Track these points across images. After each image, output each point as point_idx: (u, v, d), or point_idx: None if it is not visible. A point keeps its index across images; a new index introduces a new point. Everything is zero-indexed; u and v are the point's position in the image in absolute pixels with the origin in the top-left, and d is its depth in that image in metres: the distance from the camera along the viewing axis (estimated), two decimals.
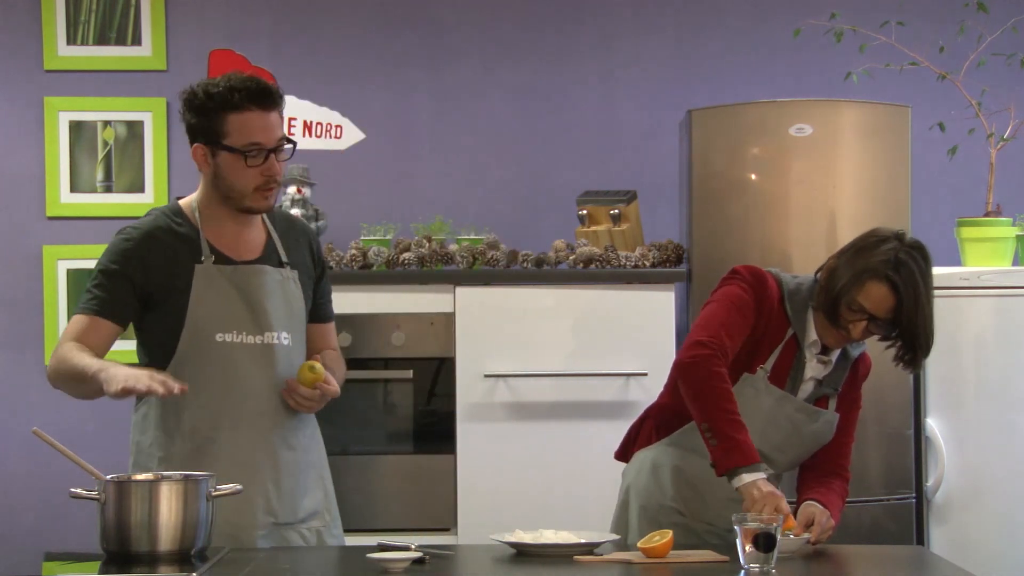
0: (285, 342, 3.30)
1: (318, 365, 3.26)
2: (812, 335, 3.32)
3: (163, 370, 3.23)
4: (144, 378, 3.00)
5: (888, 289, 3.19)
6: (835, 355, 3.37)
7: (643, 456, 3.47)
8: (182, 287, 3.24)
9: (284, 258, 3.36)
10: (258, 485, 3.23)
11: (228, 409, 3.24)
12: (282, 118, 3.29)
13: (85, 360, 3.11)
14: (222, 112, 3.19)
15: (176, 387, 3.03)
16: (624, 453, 3.56)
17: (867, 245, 3.24)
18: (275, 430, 3.29)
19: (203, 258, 3.25)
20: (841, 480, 3.41)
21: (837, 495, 3.36)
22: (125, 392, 2.99)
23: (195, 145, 3.26)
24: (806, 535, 3.16)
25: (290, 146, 3.29)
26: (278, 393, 3.28)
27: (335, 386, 3.31)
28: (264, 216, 3.38)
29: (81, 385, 3.14)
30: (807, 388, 3.36)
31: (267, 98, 3.21)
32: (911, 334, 3.22)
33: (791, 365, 3.32)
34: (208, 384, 3.23)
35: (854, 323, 3.23)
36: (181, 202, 3.35)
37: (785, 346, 3.32)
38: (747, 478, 3.12)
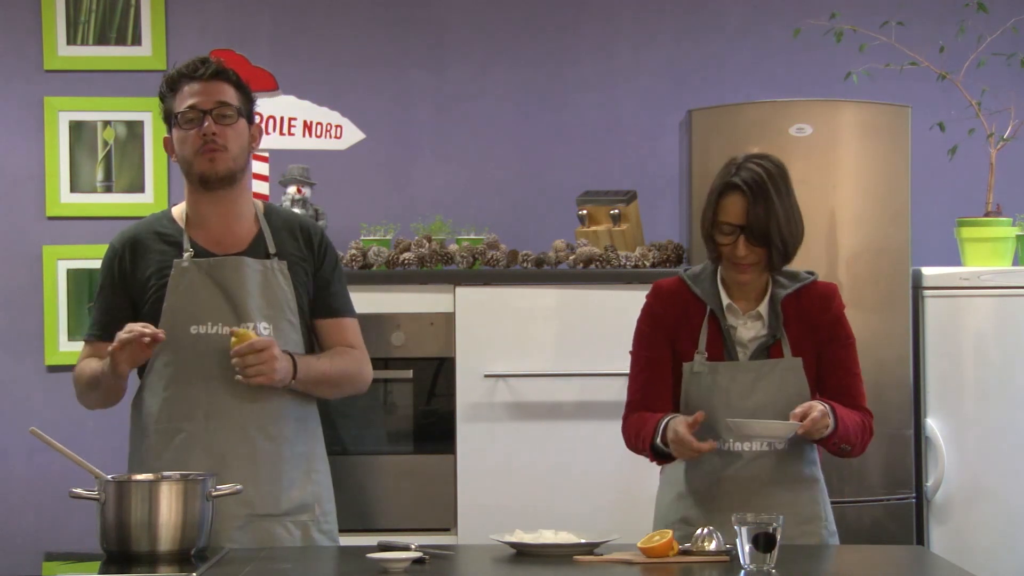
0: (264, 332, 3.31)
1: (239, 330, 3.24)
2: (726, 299, 3.34)
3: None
4: (126, 333, 3.14)
5: (736, 193, 3.25)
6: (764, 306, 3.34)
7: (664, 478, 3.49)
8: (164, 286, 3.31)
9: (272, 250, 3.38)
10: (232, 475, 3.22)
11: (202, 400, 3.28)
12: (239, 92, 3.34)
13: (93, 364, 3.29)
14: (171, 94, 3.33)
15: (153, 331, 3.15)
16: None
17: (717, 174, 3.32)
18: (252, 419, 3.30)
19: (184, 254, 3.32)
20: (861, 411, 3.35)
21: (854, 412, 3.30)
22: (121, 345, 3.13)
23: (165, 137, 3.38)
24: (797, 423, 3.15)
25: (232, 111, 3.30)
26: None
27: (260, 338, 3.23)
28: (259, 213, 3.41)
29: (101, 383, 3.27)
30: (751, 348, 3.34)
31: (201, 69, 3.30)
32: (764, 226, 3.23)
33: (722, 336, 3.34)
34: (180, 375, 3.28)
35: (732, 244, 3.25)
36: (174, 209, 3.44)
37: (709, 322, 3.34)
38: (665, 444, 3.23)
